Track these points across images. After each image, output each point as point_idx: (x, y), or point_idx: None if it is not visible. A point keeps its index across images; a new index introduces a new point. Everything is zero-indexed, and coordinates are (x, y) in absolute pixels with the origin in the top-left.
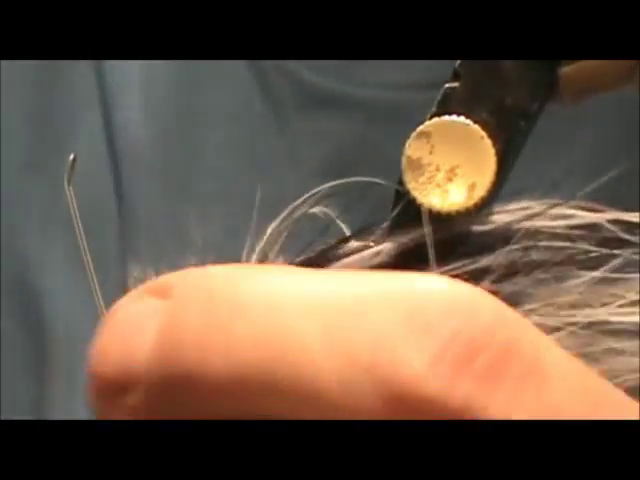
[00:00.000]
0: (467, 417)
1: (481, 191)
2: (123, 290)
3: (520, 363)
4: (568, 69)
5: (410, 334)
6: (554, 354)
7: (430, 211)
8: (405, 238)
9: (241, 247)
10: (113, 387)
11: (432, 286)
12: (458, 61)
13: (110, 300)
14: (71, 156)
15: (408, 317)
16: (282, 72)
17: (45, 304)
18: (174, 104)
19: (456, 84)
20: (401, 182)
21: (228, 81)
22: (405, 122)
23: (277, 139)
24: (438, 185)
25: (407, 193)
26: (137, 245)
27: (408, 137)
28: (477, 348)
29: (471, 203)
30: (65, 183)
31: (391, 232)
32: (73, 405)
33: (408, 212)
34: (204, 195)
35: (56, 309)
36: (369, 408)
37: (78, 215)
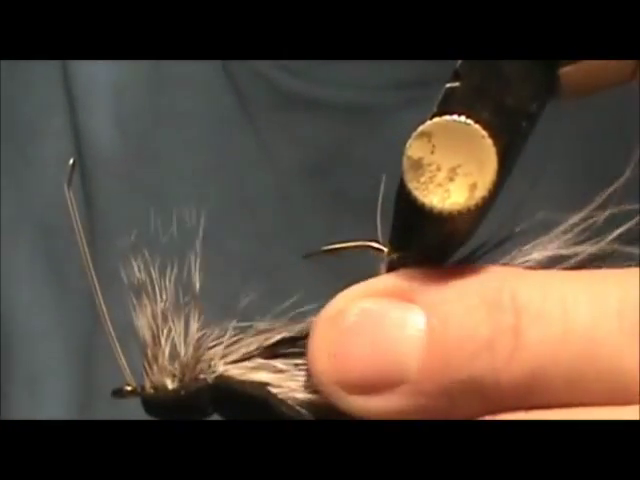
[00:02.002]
0: None
1: (482, 191)
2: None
3: None
4: (568, 69)
5: None
6: None
7: (431, 211)
8: (406, 238)
9: (214, 247)
10: (374, 384)
11: None
12: (459, 61)
13: (76, 302)
14: (71, 161)
15: None
16: (254, 74)
17: (6, 306)
18: (142, 106)
19: (457, 84)
20: (402, 182)
21: (198, 82)
22: (380, 122)
23: (250, 141)
24: (439, 185)
25: (408, 193)
26: (106, 247)
27: (382, 137)
28: None
29: (472, 203)
30: (65, 186)
31: (393, 232)
32: (33, 408)
33: (409, 212)
34: (173, 197)
35: (17, 312)
36: None
37: (77, 216)
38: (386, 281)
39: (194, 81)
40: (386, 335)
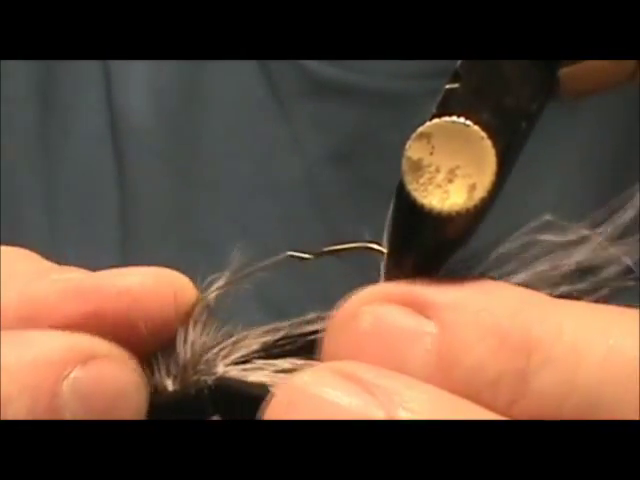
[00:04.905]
0: None
1: (481, 192)
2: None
3: None
4: (569, 69)
5: None
6: None
7: (430, 212)
8: (405, 239)
9: (240, 231)
10: None
11: None
12: (458, 61)
13: None
14: None
15: None
16: (286, 60)
17: None
18: (177, 87)
19: (456, 85)
20: (401, 183)
21: (231, 67)
22: (408, 110)
23: (280, 126)
24: (438, 186)
25: (408, 194)
26: (137, 224)
27: (411, 125)
28: None
29: (471, 204)
30: None
31: (392, 233)
32: None
33: (408, 213)
34: (205, 179)
35: None
36: None
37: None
38: (402, 288)
39: (227, 66)
40: (397, 347)
